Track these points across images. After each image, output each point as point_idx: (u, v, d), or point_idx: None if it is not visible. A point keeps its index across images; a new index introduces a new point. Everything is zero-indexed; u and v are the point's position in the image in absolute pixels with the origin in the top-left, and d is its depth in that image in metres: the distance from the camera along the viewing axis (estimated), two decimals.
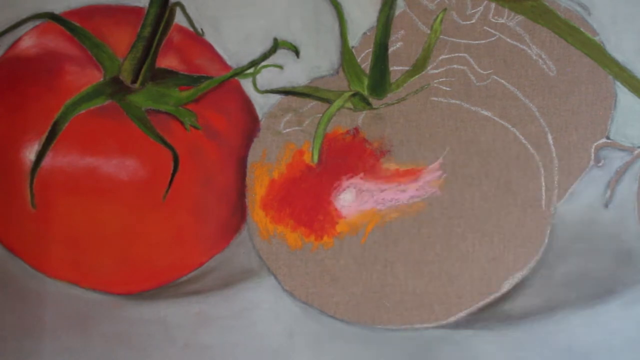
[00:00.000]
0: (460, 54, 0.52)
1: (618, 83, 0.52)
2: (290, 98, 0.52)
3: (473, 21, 0.52)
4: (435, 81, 0.52)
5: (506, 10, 0.52)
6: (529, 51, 0.52)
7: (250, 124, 0.53)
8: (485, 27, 0.52)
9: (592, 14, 0.52)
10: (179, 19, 0.51)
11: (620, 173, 0.52)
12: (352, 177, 0.52)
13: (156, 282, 0.53)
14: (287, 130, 0.52)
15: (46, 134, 0.50)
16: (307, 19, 0.51)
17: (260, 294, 0.52)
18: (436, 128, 0.52)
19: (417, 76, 0.52)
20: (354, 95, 0.52)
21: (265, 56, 0.52)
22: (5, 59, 0.51)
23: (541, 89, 0.52)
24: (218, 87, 0.52)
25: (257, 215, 0.52)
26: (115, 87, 0.51)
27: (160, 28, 0.51)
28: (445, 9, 0.52)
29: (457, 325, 0.51)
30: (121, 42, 0.51)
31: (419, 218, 0.50)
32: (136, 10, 0.51)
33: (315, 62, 0.52)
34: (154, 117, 0.51)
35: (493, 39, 0.52)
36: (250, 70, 0.52)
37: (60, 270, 0.51)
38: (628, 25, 0.52)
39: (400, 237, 0.51)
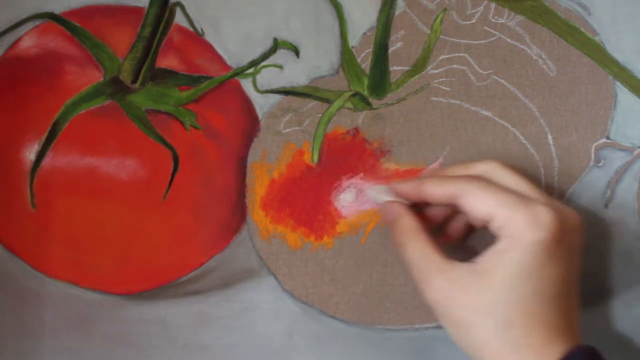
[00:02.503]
0: (460, 54, 0.52)
1: (618, 83, 0.52)
2: (290, 98, 0.52)
3: (473, 21, 0.52)
4: (435, 81, 0.52)
5: (506, 10, 0.52)
6: (529, 51, 0.52)
7: (250, 124, 0.53)
8: (485, 27, 0.52)
9: (592, 14, 0.52)
10: (179, 19, 0.52)
11: (620, 173, 0.52)
12: (352, 177, 0.52)
13: (156, 282, 0.53)
14: (287, 130, 0.52)
15: (46, 134, 0.50)
16: (307, 19, 0.51)
17: (260, 294, 0.52)
18: (436, 128, 0.52)
19: (417, 76, 0.52)
20: (354, 95, 0.52)
21: (265, 56, 0.52)
22: (5, 59, 0.51)
23: (541, 89, 0.52)
24: (218, 87, 0.52)
25: (257, 215, 0.52)
26: (115, 87, 0.51)
27: (160, 28, 0.51)
28: (445, 9, 0.52)
29: None
30: (121, 42, 0.51)
31: None
32: (136, 10, 0.51)
33: (315, 62, 0.52)
34: (154, 117, 0.51)
35: (493, 39, 0.52)
36: (250, 70, 0.52)
37: (60, 270, 0.51)
38: (628, 25, 0.52)
39: None
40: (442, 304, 0.45)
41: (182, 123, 0.51)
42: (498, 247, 0.44)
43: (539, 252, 0.43)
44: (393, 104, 0.52)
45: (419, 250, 0.46)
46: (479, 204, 0.44)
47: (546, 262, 0.43)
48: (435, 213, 0.49)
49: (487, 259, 0.44)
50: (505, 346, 0.43)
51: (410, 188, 0.47)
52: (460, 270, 0.44)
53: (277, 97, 0.52)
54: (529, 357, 0.43)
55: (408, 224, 0.47)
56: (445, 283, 0.45)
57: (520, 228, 0.43)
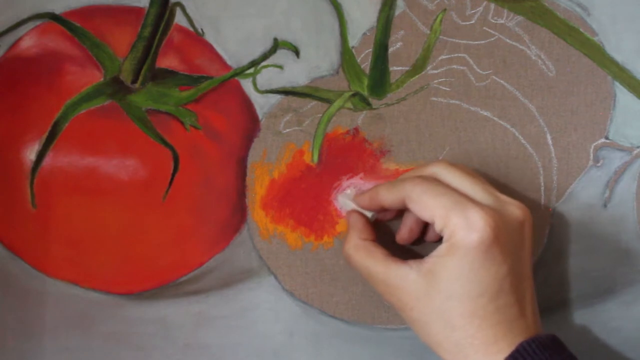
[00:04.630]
0: (459, 55, 0.52)
1: (617, 83, 0.52)
2: (290, 98, 0.52)
3: (472, 22, 0.52)
4: (434, 81, 0.52)
5: (505, 10, 0.52)
6: (528, 51, 0.52)
7: (250, 124, 0.53)
8: (484, 28, 0.52)
9: (591, 14, 0.52)
10: (179, 19, 0.51)
11: (619, 173, 0.52)
12: (352, 177, 0.52)
13: (157, 282, 0.53)
14: (287, 130, 0.52)
15: (46, 134, 0.50)
16: (307, 19, 0.51)
17: (260, 294, 0.52)
18: (436, 128, 0.52)
19: (417, 76, 0.52)
20: (354, 95, 0.52)
21: (265, 56, 0.52)
22: (6, 59, 0.51)
23: (540, 89, 0.52)
24: (218, 87, 0.52)
25: (257, 215, 0.52)
26: (116, 87, 0.51)
27: (160, 28, 0.51)
28: (445, 10, 0.52)
29: None
30: (121, 42, 0.51)
31: None
32: (136, 10, 0.51)
33: (315, 62, 0.52)
34: (154, 117, 0.51)
35: (492, 39, 0.52)
36: (250, 70, 0.52)
37: (61, 270, 0.51)
38: (627, 25, 0.52)
39: None
40: (397, 307, 0.47)
41: (182, 123, 0.51)
42: (440, 250, 0.45)
43: (474, 256, 0.44)
44: (393, 104, 0.52)
45: (363, 266, 0.47)
46: (421, 206, 0.45)
47: (483, 265, 0.44)
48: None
49: (431, 260, 0.45)
50: (453, 346, 0.44)
51: (367, 198, 0.48)
52: (408, 273, 0.45)
53: (277, 97, 0.52)
54: (474, 356, 0.43)
55: (352, 237, 0.48)
56: (392, 289, 0.46)
57: (455, 232, 0.44)
